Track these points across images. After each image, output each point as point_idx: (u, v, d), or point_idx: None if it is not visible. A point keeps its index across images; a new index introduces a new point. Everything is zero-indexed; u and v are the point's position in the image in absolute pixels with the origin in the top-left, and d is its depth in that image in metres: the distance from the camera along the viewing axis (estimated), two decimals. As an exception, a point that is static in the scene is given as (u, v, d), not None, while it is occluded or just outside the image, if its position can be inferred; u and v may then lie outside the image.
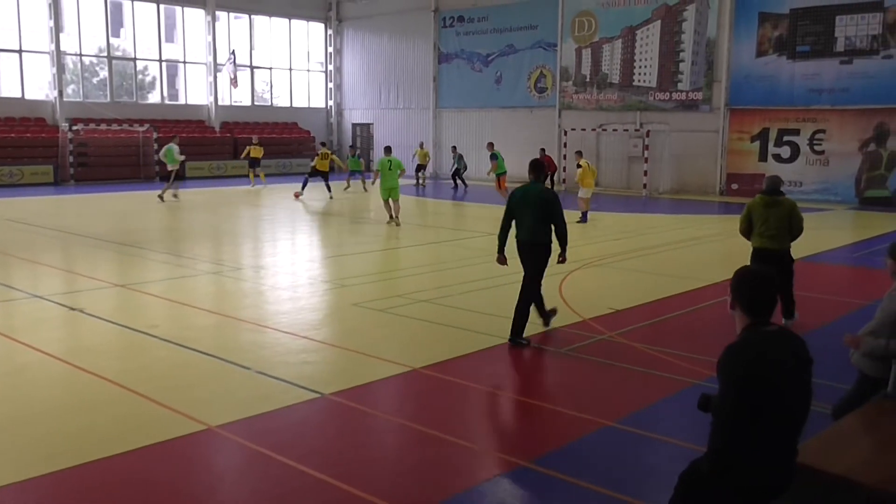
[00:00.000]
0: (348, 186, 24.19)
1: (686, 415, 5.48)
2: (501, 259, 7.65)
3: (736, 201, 22.11)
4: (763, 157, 22.91)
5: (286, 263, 12.25)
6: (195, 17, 30.93)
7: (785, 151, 22.47)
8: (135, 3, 28.92)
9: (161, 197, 20.55)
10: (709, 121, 23.75)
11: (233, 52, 30.52)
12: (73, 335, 7.90)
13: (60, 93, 27.34)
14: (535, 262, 7.39)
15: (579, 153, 18.40)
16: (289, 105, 34.16)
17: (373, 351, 7.06)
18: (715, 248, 14.17)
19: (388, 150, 17.74)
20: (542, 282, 7.59)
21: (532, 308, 7.51)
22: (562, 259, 7.52)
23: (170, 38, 32.72)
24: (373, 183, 18.38)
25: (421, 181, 27.10)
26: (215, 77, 31.03)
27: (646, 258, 12.36)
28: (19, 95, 26.99)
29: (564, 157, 25.93)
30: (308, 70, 34.69)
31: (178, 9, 30.55)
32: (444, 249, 13.59)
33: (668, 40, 24.36)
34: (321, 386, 6.12)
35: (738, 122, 23.29)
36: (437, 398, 6.02)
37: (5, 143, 25.41)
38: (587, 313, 8.44)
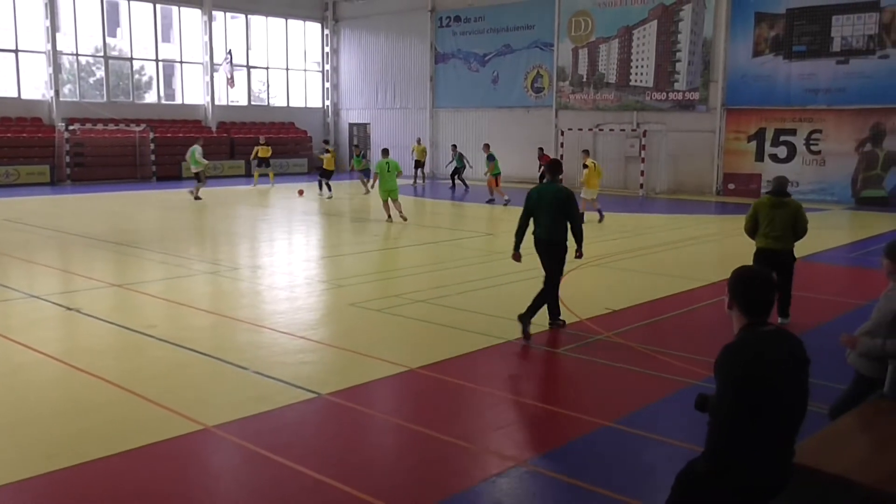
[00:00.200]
0: (367, 191, 22.96)
1: (683, 415, 5.48)
2: (517, 256, 7.82)
3: (733, 201, 22.16)
4: (760, 157, 22.95)
5: (283, 263, 12.24)
6: (192, 17, 30.89)
7: (781, 151, 22.52)
8: (131, 2, 28.86)
9: (195, 195, 21.12)
10: (705, 121, 23.79)
11: (229, 52, 30.48)
12: (70, 335, 7.89)
13: (57, 93, 27.28)
14: (552, 259, 7.65)
15: (586, 152, 18.33)
16: (285, 105, 34.13)
17: (370, 351, 7.06)
18: (711, 248, 14.19)
19: (385, 152, 17.95)
20: (537, 283, 7.60)
21: (530, 307, 7.57)
22: (578, 255, 7.80)
23: (166, 38, 32.64)
24: (372, 186, 18.47)
25: (422, 180, 27.05)
26: (212, 77, 30.99)
27: (643, 258, 12.38)
28: (15, 95, 26.92)
29: (561, 156, 25.89)
30: (305, 70, 34.66)
31: (174, 8, 30.49)
32: (442, 249, 13.59)
33: (665, 40, 24.39)
34: (318, 386, 6.11)
35: (735, 122, 23.33)
36: (434, 398, 6.02)
37: (1, 143, 25.35)
38: (584, 313, 8.44)
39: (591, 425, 5.42)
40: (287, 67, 33.84)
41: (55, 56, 27.01)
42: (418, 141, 28.28)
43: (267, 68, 33.47)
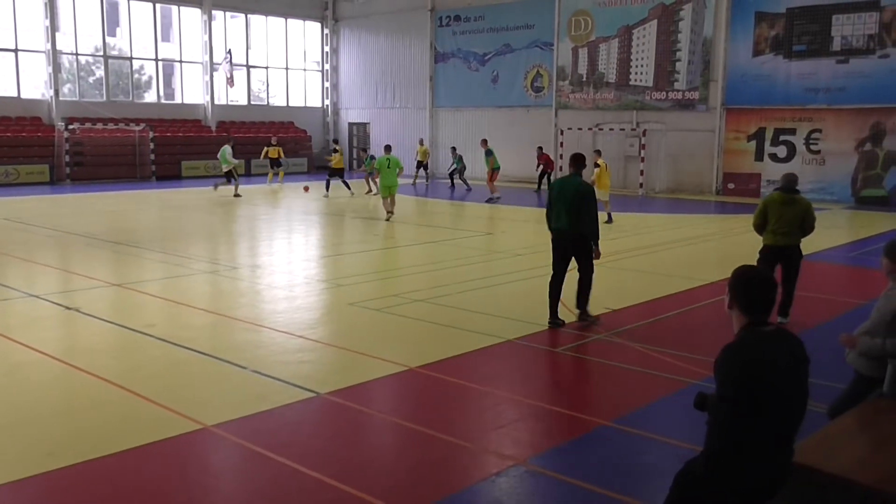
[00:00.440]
0: (370, 189, 23.25)
1: (682, 414, 5.48)
2: None
3: (732, 201, 22.16)
4: (759, 156, 22.95)
5: (282, 262, 12.24)
6: (191, 17, 30.87)
7: (781, 151, 22.52)
8: (131, 2, 28.85)
9: (235, 193, 21.80)
10: (705, 120, 23.78)
11: (229, 52, 30.47)
12: (70, 334, 7.89)
13: (56, 92, 27.26)
14: (579, 253, 7.84)
15: (598, 152, 18.29)
16: (285, 104, 34.11)
17: (369, 350, 7.06)
18: (711, 248, 14.19)
19: (387, 148, 18.30)
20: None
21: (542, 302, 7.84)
22: (596, 255, 7.92)
23: (166, 38, 32.64)
24: (375, 182, 18.55)
25: (425, 179, 27.06)
26: (211, 76, 30.98)
27: (642, 258, 12.37)
28: (15, 94, 26.90)
29: (561, 156, 25.92)
30: (304, 69, 34.65)
31: (174, 8, 30.48)
32: (441, 249, 13.59)
33: (665, 39, 24.39)
34: (317, 385, 6.11)
35: (735, 121, 23.33)
36: (433, 397, 6.02)
37: (1, 142, 25.34)
38: (584, 313, 8.43)
39: (590, 425, 5.41)
40: (287, 67, 33.82)
41: (55, 55, 26.99)
42: (420, 142, 28.27)
43: (266, 68, 33.46)
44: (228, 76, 30.28)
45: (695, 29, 23.70)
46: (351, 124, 34.42)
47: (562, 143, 25.94)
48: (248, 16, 32.32)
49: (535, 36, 27.56)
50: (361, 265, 12.00)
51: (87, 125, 27.00)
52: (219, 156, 22.57)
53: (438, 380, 6.33)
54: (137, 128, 27.80)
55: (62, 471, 4.60)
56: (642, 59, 24.97)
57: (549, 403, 5.89)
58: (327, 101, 34.97)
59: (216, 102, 31.45)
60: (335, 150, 23.36)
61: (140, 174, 27.85)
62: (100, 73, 30.51)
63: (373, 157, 24.49)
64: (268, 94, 34.51)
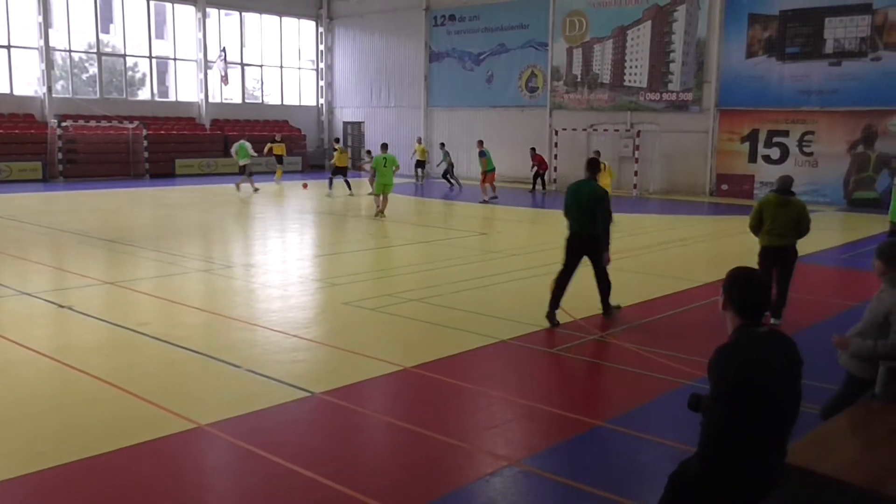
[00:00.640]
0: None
1: (676, 415, 5.50)
2: None
3: (726, 202, 22.24)
4: (753, 158, 23.03)
5: (277, 262, 12.22)
6: (185, 14, 30.77)
7: (774, 153, 22.60)
8: (125, -2, 28.76)
9: (255, 188, 22.43)
10: (699, 121, 23.86)
11: (223, 50, 30.39)
12: (62, 332, 7.86)
13: (49, 89, 27.14)
14: (592, 254, 8.01)
15: (597, 153, 18.38)
16: (279, 103, 34.05)
17: (363, 350, 7.05)
18: (704, 249, 14.24)
19: (384, 147, 18.47)
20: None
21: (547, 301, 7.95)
22: (605, 260, 8.08)
23: (160, 35, 32.54)
24: (371, 180, 18.59)
25: (420, 179, 27.06)
26: (206, 74, 30.89)
27: (636, 258, 12.40)
28: (8, 91, 26.78)
29: (556, 156, 25.97)
30: (299, 68, 34.59)
31: (168, 5, 30.38)
32: (436, 248, 13.59)
33: (659, 41, 24.45)
34: (312, 385, 6.11)
35: (728, 123, 23.41)
36: (427, 397, 6.03)
37: (-7, 139, 25.23)
38: (577, 313, 8.45)
39: (584, 425, 5.43)
40: (281, 65, 33.76)
41: (48, 52, 26.87)
42: (419, 140, 28.24)
43: (261, 66, 33.39)
44: (223, 74, 30.20)
45: (688, 30, 23.78)
46: (346, 123, 34.37)
47: (556, 144, 25.97)
48: (243, 13, 32.24)
49: (530, 36, 27.59)
50: (356, 264, 11.99)
51: (81, 122, 26.89)
52: (235, 151, 22.89)
53: (433, 379, 6.33)
54: (131, 125, 27.70)
55: (53, 470, 4.58)
56: (636, 59, 25.02)
57: (543, 403, 5.90)
58: (322, 100, 34.92)
59: (210, 100, 31.37)
60: (335, 149, 23.41)
61: (133, 172, 27.75)
62: (93, 70, 30.39)
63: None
64: (262, 92, 34.43)
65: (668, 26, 24.21)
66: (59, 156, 26.15)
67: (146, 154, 27.82)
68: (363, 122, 33.55)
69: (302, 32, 34.30)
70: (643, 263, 12.02)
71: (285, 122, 33.47)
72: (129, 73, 31.20)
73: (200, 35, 30.67)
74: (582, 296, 9.29)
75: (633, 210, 20.46)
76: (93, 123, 27.17)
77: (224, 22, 32.01)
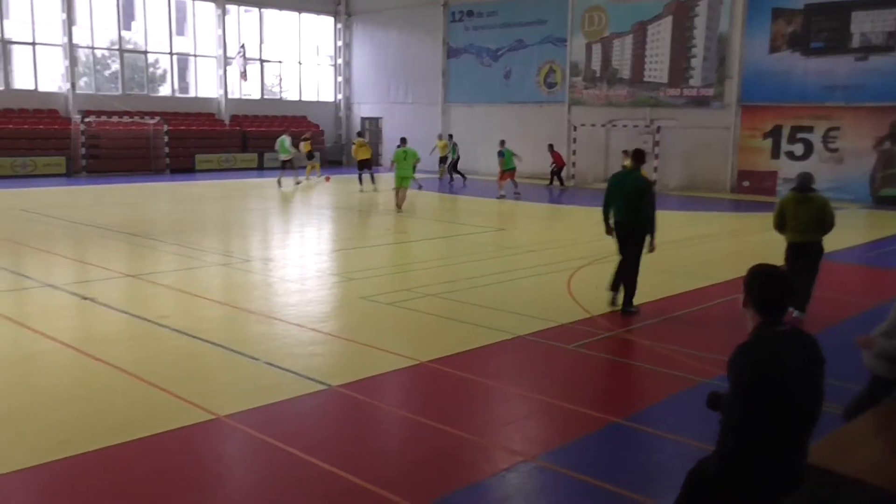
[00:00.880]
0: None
1: (694, 413, 5.45)
2: (609, 230, 8.46)
3: (747, 199, 21.99)
4: (776, 154, 22.75)
5: (295, 256, 12.28)
6: (206, 11, 30.98)
7: (798, 149, 22.31)
8: (146, -5, 29.00)
9: (297, 181, 23.34)
10: (720, 117, 23.61)
11: (243, 46, 30.56)
12: (85, 324, 7.95)
13: (73, 85, 27.46)
14: (632, 241, 8.19)
15: (626, 152, 18.22)
16: (298, 99, 34.18)
17: (380, 344, 7.07)
18: (724, 246, 14.10)
19: (403, 141, 18.65)
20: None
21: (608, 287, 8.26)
22: (651, 248, 8.29)
23: (181, 32, 32.77)
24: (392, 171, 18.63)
25: (442, 175, 27.04)
26: (225, 70, 31.09)
27: (654, 255, 12.27)
28: (33, 87, 27.13)
29: (574, 152, 25.84)
30: (318, 64, 34.70)
31: (188, 2, 30.60)
32: (453, 244, 13.58)
33: (680, 36, 24.21)
34: (328, 378, 6.13)
35: (750, 118, 23.13)
36: (443, 392, 6.02)
37: (19, 134, 25.56)
38: (595, 310, 8.41)
39: (600, 422, 5.40)
40: (300, 61, 33.88)
41: (71, 49, 27.17)
42: (439, 136, 28.21)
43: (280, 62, 33.53)
44: (242, 70, 30.38)
45: (710, 25, 23.51)
46: (363, 119, 34.44)
47: (574, 140, 25.84)
48: (262, 10, 32.38)
49: (548, 32, 27.44)
50: (374, 259, 12.01)
51: (103, 118, 27.18)
52: (277, 146, 23.32)
53: (449, 374, 6.33)
54: (152, 121, 27.95)
55: (76, 458, 4.65)
56: (657, 55, 24.80)
57: (559, 400, 5.87)
58: (340, 96, 35.00)
59: (230, 96, 31.56)
60: (353, 143, 23.44)
61: (154, 167, 28.00)
62: (115, 66, 30.70)
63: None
64: (281, 88, 34.59)
65: (689, 21, 23.96)
66: (83, 151, 26.47)
67: (167, 149, 28.07)
68: (381, 118, 33.59)
69: (320, 28, 34.39)
70: (663, 260, 11.89)
71: (303, 118, 33.60)
72: (151, 69, 31.49)
73: (220, 31, 30.86)
74: (599, 292, 9.24)
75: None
76: (115, 119, 27.45)
77: (244, 18, 32.18)
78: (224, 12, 30.85)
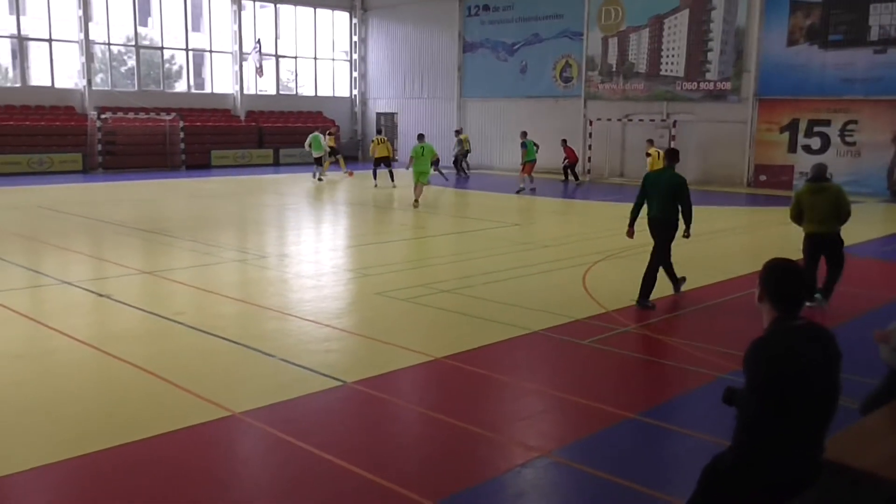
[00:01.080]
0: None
1: (709, 408, 5.43)
2: (630, 232, 8.77)
3: (764, 193, 21.80)
4: (793, 148, 22.53)
5: (310, 252, 12.32)
6: (221, 7, 31.10)
7: (815, 142, 22.08)
8: (162, -8, 29.16)
9: (319, 178, 23.64)
10: (737, 111, 23.40)
11: (258, 42, 30.66)
12: (101, 321, 8.03)
13: (89, 81, 27.69)
14: (663, 235, 8.50)
15: (650, 142, 18.12)
16: (314, 94, 34.26)
17: (395, 340, 7.09)
18: (741, 241, 14.00)
19: (421, 137, 19.04)
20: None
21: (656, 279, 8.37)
22: (686, 234, 8.73)
23: (196, 28, 32.94)
24: (408, 168, 18.75)
25: (466, 170, 26.99)
26: (241, 66, 31.21)
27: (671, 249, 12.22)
28: (49, 84, 27.38)
29: (590, 147, 25.73)
30: (333, 59, 34.75)
31: (204, -2, 30.76)
32: (468, 239, 13.58)
33: (697, 29, 24.01)
34: (344, 374, 6.15)
35: (768, 112, 22.91)
36: (458, 388, 6.03)
37: (36, 131, 25.82)
38: (610, 305, 8.39)
39: (616, 417, 5.38)
40: (315, 57, 33.95)
41: (88, 45, 27.39)
42: (460, 131, 28.13)
43: (295, 57, 33.61)
44: (257, 66, 30.48)
45: (727, 18, 23.30)
46: (379, 114, 34.46)
47: (590, 134, 25.72)
48: (278, 5, 32.46)
49: (565, 26, 27.31)
50: (389, 255, 12.04)
51: (119, 114, 27.39)
52: (309, 143, 23.83)
53: (464, 370, 6.34)
54: (168, 117, 28.13)
55: (93, 455, 4.69)
56: (673, 49, 24.61)
57: (574, 395, 5.86)
58: (355, 91, 35.05)
59: (245, 92, 31.69)
60: (372, 141, 23.46)
61: (170, 163, 28.19)
62: (131, 62, 30.92)
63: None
64: (296, 84, 34.66)
65: (705, 14, 23.75)
66: (99, 147, 26.69)
67: (183, 145, 28.24)
68: (396, 114, 33.60)
69: (336, 24, 34.42)
70: (678, 254, 11.81)
71: (319, 114, 33.69)
72: (167, 65, 31.66)
73: (236, 27, 30.98)
74: (614, 287, 9.22)
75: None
76: (131, 115, 27.66)
77: (259, 14, 32.28)
78: (240, 8, 30.97)
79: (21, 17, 26.62)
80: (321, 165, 23.83)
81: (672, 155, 8.82)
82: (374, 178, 22.44)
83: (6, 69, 32.49)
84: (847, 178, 21.23)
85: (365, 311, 8.44)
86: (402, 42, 32.90)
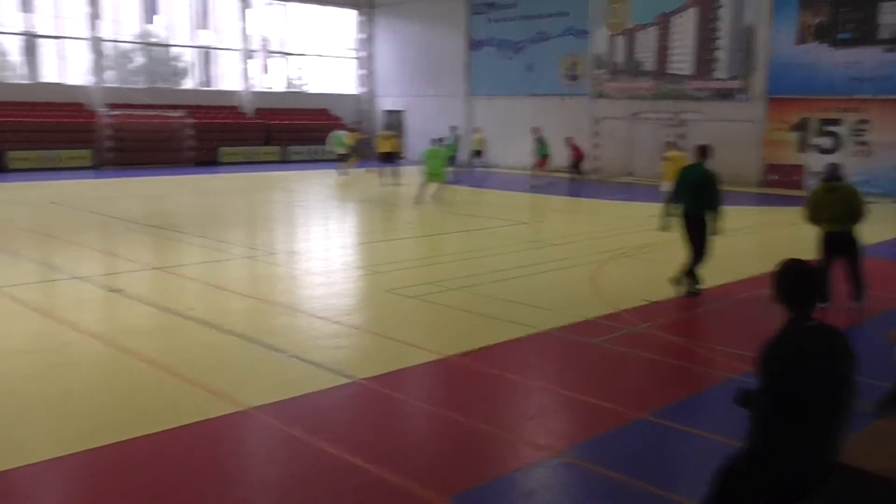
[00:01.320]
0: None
1: (721, 408, 5.42)
2: (663, 226, 9.16)
3: (774, 193, 21.70)
4: (803, 147, 22.43)
5: (320, 249, 12.35)
6: (229, 4, 31.14)
7: (826, 142, 21.97)
8: (171, -11, 29.22)
9: (341, 172, 23.77)
10: (746, 110, 23.30)
11: (266, 39, 30.67)
12: (113, 316, 8.07)
13: (98, 78, 27.77)
14: (696, 230, 8.65)
15: (671, 143, 18.07)
16: (321, 92, 34.30)
17: (405, 337, 7.10)
18: (751, 241, 13.95)
19: (436, 141, 19.55)
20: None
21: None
22: (714, 232, 8.72)
23: (204, 25, 32.99)
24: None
25: (481, 168, 26.95)
26: (248, 63, 31.24)
27: (680, 249, 12.19)
28: (58, 81, 27.48)
29: (596, 145, 25.67)
30: (340, 57, 34.78)
31: (212, -5, 30.80)
32: (478, 237, 13.57)
33: (705, 27, 23.92)
34: (353, 371, 6.17)
35: (777, 111, 22.80)
36: (468, 386, 6.04)
37: (45, 127, 25.92)
38: (621, 304, 8.37)
39: (627, 417, 5.38)
40: (323, 54, 33.97)
41: (96, 42, 27.47)
42: (475, 130, 28.11)
43: (303, 55, 33.63)
44: (265, 63, 30.50)
45: (736, 16, 23.20)
46: (385, 111, 34.46)
47: (597, 133, 25.66)
48: (285, 3, 32.48)
49: (570, 24, 27.24)
50: (399, 252, 12.05)
51: (128, 111, 27.48)
52: (331, 142, 24.33)
53: (474, 368, 6.34)
54: (176, 114, 28.20)
55: (105, 448, 4.72)
56: (681, 47, 24.52)
57: (584, 395, 5.86)
58: (362, 89, 35.06)
59: (253, 89, 31.75)
60: (378, 136, 23.59)
61: (179, 160, 28.25)
62: (140, 59, 31.00)
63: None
64: (304, 81, 34.70)
65: (713, 12, 23.65)
66: (108, 144, 26.78)
67: (191, 142, 28.31)
68: (404, 111, 33.60)
69: (343, 21, 34.43)
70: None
71: (326, 111, 33.71)
72: (175, 62, 31.73)
73: (243, 24, 31.02)
74: (625, 287, 9.21)
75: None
76: (140, 112, 27.74)
77: (267, 11, 32.31)
78: (247, 5, 30.99)
79: (31, 15, 26.71)
80: (345, 161, 23.91)
81: (702, 151, 9.00)
82: (382, 174, 22.49)
83: (16, 66, 32.60)
84: (859, 178, 20.98)
85: (374, 308, 8.46)
86: (409, 40, 32.89)
